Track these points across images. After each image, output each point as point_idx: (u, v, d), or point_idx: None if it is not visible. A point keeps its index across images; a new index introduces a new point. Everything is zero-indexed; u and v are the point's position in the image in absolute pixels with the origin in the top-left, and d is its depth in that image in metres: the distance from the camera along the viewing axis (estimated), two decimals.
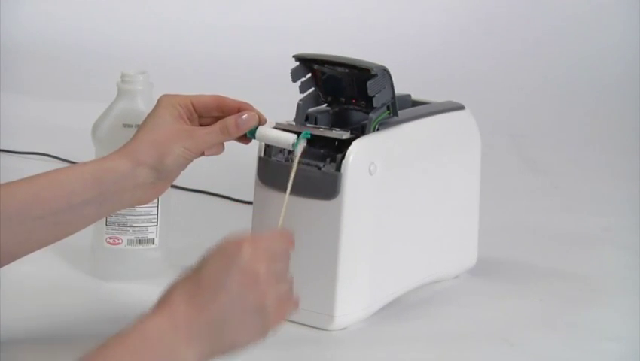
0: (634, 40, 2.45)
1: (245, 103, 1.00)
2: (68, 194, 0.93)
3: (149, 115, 0.99)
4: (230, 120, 0.98)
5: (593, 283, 1.22)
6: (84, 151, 1.19)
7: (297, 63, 1.06)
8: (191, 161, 0.98)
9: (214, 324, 0.77)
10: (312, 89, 1.07)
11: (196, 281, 0.77)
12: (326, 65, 1.05)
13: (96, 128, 1.15)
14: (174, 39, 2.50)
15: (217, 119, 1.00)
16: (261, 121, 1.00)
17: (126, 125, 1.14)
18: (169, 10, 2.59)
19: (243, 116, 0.98)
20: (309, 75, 1.07)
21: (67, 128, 1.72)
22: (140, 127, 0.99)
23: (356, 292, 1.03)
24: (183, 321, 0.75)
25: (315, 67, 1.06)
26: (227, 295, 0.77)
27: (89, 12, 2.57)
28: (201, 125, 1.00)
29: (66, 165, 1.54)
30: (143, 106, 1.15)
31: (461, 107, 1.17)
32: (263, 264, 0.79)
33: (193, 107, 0.99)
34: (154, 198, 1.02)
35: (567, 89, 2.35)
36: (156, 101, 1.00)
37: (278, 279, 0.81)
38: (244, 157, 1.06)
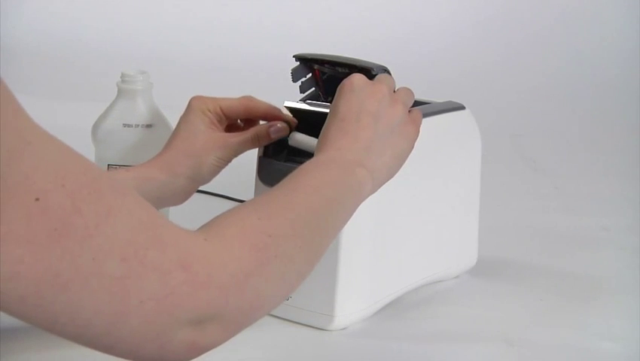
0: (634, 41, 2.45)
1: (273, 107, 1.02)
2: None
3: (182, 121, 1.01)
4: (262, 130, 1.01)
5: (593, 283, 1.22)
6: (84, 151, 1.19)
7: (298, 63, 1.06)
8: (224, 167, 1.02)
9: (371, 143, 0.86)
10: (313, 89, 1.07)
11: (338, 121, 0.87)
12: (326, 65, 1.05)
13: (96, 128, 1.15)
14: (174, 39, 2.50)
15: (246, 121, 1.03)
16: (292, 125, 1.02)
17: (126, 125, 1.14)
18: (168, 10, 2.59)
19: (275, 127, 1.01)
20: (310, 75, 1.07)
21: (67, 128, 1.71)
22: (174, 134, 1.01)
23: (356, 292, 1.03)
24: (347, 151, 0.85)
25: (316, 67, 1.06)
26: (368, 115, 0.87)
27: (89, 12, 2.57)
28: (230, 125, 1.03)
29: None
30: (143, 106, 1.15)
31: (461, 107, 1.17)
32: (379, 84, 0.90)
33: (222, 112, 1.01)
34: (186, 200, 1.05)
35: (567, 89, 2.35)
36: (187, 106, 1.02)
37: (396, 93, 0.92)
38: (244, 157, 1.06)
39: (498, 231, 1.35)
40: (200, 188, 1.45)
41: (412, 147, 0.92)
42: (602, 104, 2.27)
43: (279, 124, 1.01)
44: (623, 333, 1.08)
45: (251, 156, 1.05)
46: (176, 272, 0.64)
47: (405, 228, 1.08)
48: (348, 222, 0.99)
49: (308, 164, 0.83)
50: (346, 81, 0.90)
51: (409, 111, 0.93)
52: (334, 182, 0.82)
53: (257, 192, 1.05)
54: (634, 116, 2.18)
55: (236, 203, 1.42)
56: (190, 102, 1.02)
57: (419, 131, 0.93)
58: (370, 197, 1.00)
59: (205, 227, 0.71)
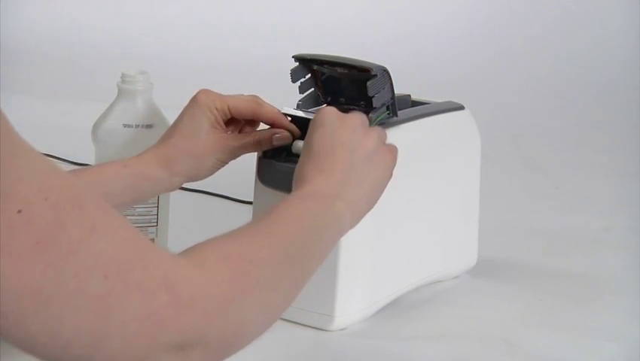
0: (634, 40, 2.45)
1: (279, 114, 1.02)
2: (106, 195, 0.92)
3: (186, 116, 1.00)
4: (265, 136, 1.01)
5: (593, 283, 1.22)
6: (84, 151, 1.19)
7: (297, 63, 1.06)
8: (221, 168, 1.01)
9: (348, 176, 0.86)
10: (312, 89, 1.07)
11: (313, 156, 0.87)
12: (325, 66, 1.04)
13: (96, 128, 1.15)
14: (174, 39, 2.50)
15: (250, 121, 1.02)
16: (295, 135, 1.01)
17: (126, 126, 1.14)
18: (169, 10, 2.59)
19: (278, 135, 1.00)
20: (309, 76, 1.07)
21: (67, 128, 1.72)
22: (177, 128, 0.99)
23: (356, 293, 1.03)
24: (324, 186, 0.84)
25: (315, 67, 1.06)
26: (343, 148, 0.87)
27: (89, 12, 2.57)
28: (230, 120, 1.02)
29: (67, 165, 1.54)
30: (143, 106, 1.15)
31: (460, 108, 1.17)
32: (353, 117, 0.90)
33: (229, 111, 1.00)
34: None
35: (567, 88, 2.35)
36: (193, 99, 1.00)
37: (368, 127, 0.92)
38: (244, 157, 1.06)
39: (497, 231, 1.35)
40: (200, 188, 1.47)
41: (391, 175, 0.92)
42: (602, 104, 2.27)
43: (283, 133, 1.00)
44: (623, 333, 1.08)
45: (251, 156, 1.05)
46: (159, 293, 0.62)
47: (405, 228, 1.08)
48: None
49: (287, 198, 0.83)
50: (317, 115, 0.90)
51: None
52: (313, 214, 0.82)
53: (256, 192, 1.05)
54: (634, 116, 2.18)
55: (236, 203, 1.43)
56: (197, 96, 1.00)
57: (395, 159, 0.93)
58: None
59: (186, 252, 0.70)
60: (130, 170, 0.97)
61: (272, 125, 1.02)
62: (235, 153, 1.01)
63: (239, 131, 1.03)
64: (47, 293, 0.58)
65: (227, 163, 1.01)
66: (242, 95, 1.02)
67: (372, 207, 0.90)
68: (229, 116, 1.00)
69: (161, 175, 0.98)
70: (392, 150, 0.93)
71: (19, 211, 0.57)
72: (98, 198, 0.63)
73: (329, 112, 0.90)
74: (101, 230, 0.61)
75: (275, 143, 1.00)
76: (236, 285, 0.68)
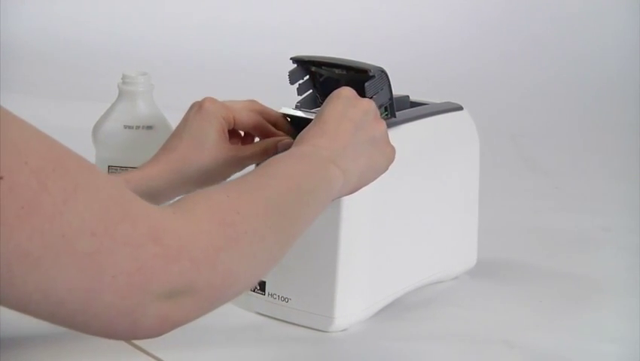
0: (634, 41, 2.45)
1: (282, 119, 1.02)
2: None
3: (192, 124, 0.97)
4: (270, 144, 1.00)
5: (593, 283, 1.22)
6: (85, 152, 1.19)
7: (295, 65, 1.06)
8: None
9: (347, 146, 0.87)
10: (310, 90, 1.07)
11: (321, 122, 0.88)
12: (323, 67, 1.04)
13: (96, 129, 1.16)
14: (175, 40, 2.50)
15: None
16: None
17: (126, 127, 1.14)
18: (170, 11, 2.59)
19: (283, 142, 0.99)
20: (307, 77, 1.07)
21: (67, 128, 1.72)
22: (182, 140, 0.97)
23: (356, 294, 1.03)
24: (322, 148, 0.86)
25: (313, 69, 1.06)
26: (350, 122, 0.88)
27: (90, 12, 2.57)
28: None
29: None
30: (144, 107, 1.15)
31: (459, 108, 1.17)
32: (369, 102, 0.92)
33: (234, 122, 1.00)
34: None
35: (567, 89, 2.36)
36: (199, 107, 0.98)
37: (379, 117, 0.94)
38: None
39: (497, 232, 1.35)
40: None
41: (386, 169, 0.93)
42: (602, 104, 2.27)
43: (287, 139, 0.99)
44: (623, 334, 1.08)
45: None
46: (147, 246, 0.63)
47: (404, 229, 1.08)
48: (347, 222, 0.99)
49: (281, 155, 0.84)
50: (336, 91, 0.92)
51: None
52: (305, 172, 0.83)
53: None
54: (634, 116, 2.18)
55: None
56: (203, 104, 0.98)
57: (394, 158, 0.94)
58: (369, 198, 1.01)
59: (174, 204, 0.71)
60: (133, 185, 0.94)
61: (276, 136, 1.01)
62: (243, 165, 1.00)
63: (242, 143, 1.03)
64: (36, 255, 0.59)
65: (231, 175, 0.99)
66: (241, 101, 1.01)
67: (361, 188, 0.91)
68: (232, 126, 1.00)
69: (170, 187, 0.96)
70: (393, 148, 0.94)
71: (0, 178, 0.57)
72: (79, 158, 0.64)
73: (347, 89, 0.92)
74: (85, 189, 0.61)
75: (280, 150, 0.99)
76: (223, 235, 0.69)
